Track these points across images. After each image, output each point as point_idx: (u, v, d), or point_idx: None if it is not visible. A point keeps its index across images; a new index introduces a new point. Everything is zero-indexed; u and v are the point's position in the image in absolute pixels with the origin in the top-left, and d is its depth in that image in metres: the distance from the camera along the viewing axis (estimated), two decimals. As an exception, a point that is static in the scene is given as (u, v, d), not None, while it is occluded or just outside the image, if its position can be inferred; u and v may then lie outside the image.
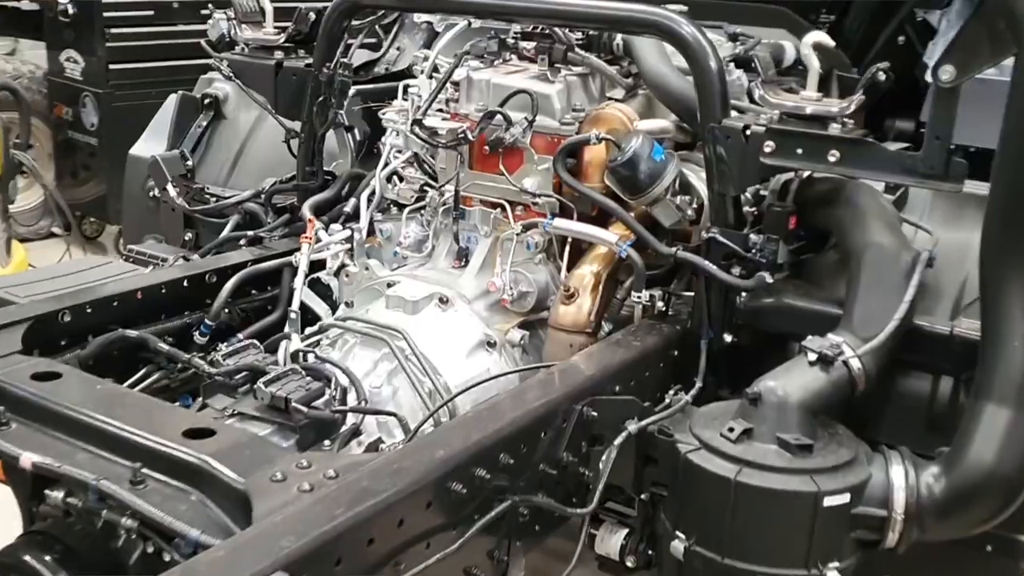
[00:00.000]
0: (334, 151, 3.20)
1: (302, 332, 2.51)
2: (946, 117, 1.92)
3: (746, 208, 2.22)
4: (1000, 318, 1.85)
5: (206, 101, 3.53)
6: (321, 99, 2.91)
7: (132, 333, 2.32)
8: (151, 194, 3.37)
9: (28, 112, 6.83)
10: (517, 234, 2.44)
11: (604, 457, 1.93)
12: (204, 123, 3.52)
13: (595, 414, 1.98)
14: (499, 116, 2.46)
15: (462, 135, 2.49)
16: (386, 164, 2.78)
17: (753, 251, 2.21)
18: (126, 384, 2.28)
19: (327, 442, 2.08)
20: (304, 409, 2.01)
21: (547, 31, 2.56)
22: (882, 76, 2.09)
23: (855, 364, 1.96)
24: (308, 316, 2.64)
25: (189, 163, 3.31)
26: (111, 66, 6.23)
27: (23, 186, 6.82)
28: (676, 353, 2.32)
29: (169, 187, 3.21)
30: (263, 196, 3.07)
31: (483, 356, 2.41)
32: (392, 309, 2.44)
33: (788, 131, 2.11)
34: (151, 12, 6.17)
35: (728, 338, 2.28)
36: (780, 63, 3.03)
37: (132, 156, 3.61)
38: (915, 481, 1.85)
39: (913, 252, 2.07)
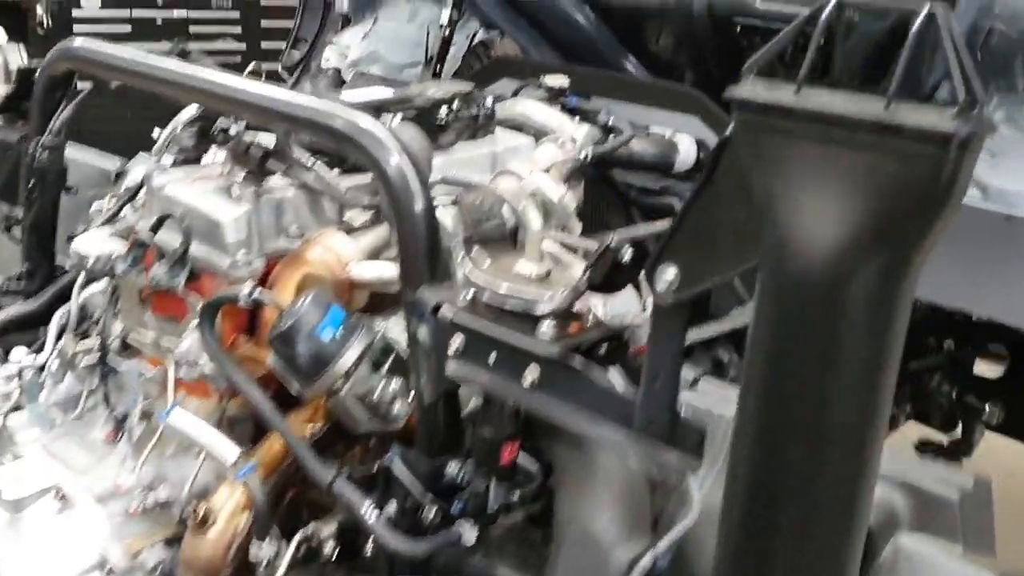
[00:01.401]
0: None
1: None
2: (670, 348, 1.14)
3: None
4: None
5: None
6: (32, 182, 2.24)
7: None
8: None
9: None
10: (139, 419, 1.72)
11: None
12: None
13: None
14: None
15: (109, 266, 1.78)
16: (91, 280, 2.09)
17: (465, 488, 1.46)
18: None
19: None
20: None
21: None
22: (628, 253, 1.32)
23: None
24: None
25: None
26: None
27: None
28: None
29: None
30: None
31: (97, 585, 1.69)
32: (-7, 501, 1.75)
33: (475, 330, 1.34)
34: (129, 29, 5.61)
35: (422, 608, 1.53)
36: (669, 168, 2.29)
37: None
38: None
39: (641, 547, 1.28)
